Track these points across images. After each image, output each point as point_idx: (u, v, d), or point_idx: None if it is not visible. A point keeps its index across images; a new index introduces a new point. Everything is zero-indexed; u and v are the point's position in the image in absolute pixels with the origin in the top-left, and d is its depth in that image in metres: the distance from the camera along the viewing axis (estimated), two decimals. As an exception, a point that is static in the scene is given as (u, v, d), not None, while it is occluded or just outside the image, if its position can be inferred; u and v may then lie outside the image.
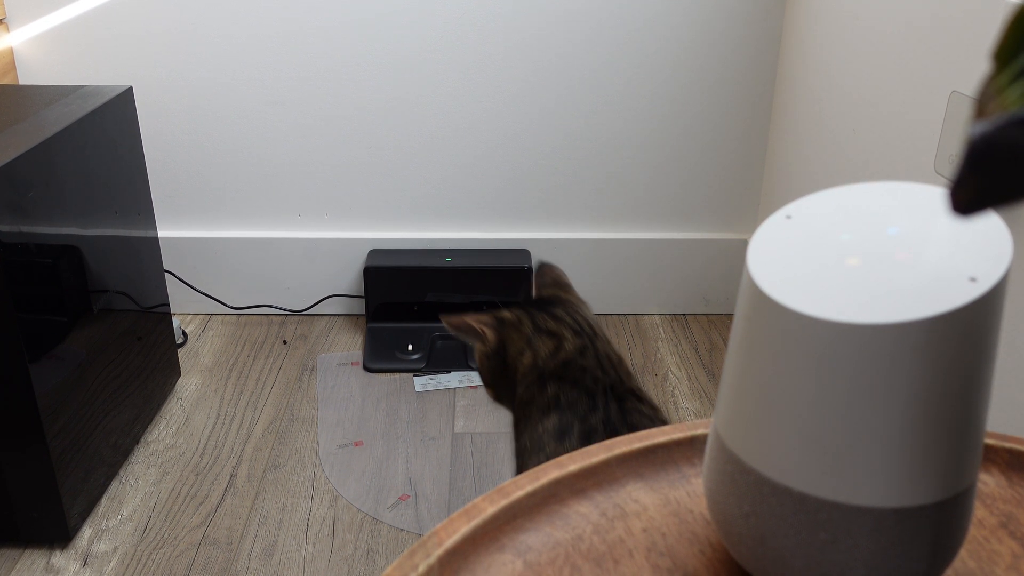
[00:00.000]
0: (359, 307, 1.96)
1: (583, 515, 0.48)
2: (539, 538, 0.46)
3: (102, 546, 1.30)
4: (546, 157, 1.86)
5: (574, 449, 0.93)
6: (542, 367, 1.09)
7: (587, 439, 1.01)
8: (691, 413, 1.62)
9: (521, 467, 1.09)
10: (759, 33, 1.78)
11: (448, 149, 1.85)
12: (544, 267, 1.26)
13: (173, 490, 1.42)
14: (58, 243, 1.25)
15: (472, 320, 1.13)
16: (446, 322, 1.16)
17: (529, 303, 1.17)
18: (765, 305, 0.37)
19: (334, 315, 1.96)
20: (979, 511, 0.48)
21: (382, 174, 1.87)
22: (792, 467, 0.38)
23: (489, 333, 1.15)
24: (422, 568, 0.43)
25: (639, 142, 1.86)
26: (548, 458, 1.00)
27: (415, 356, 1.79)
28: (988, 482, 0.50)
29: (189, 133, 1.83)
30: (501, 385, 1.17)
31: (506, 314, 1.14)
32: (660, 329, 1.92)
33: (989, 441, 0.52)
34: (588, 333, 1.12)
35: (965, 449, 0.37)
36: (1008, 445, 0.52)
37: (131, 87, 1.47)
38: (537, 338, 1.11)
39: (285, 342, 1.85)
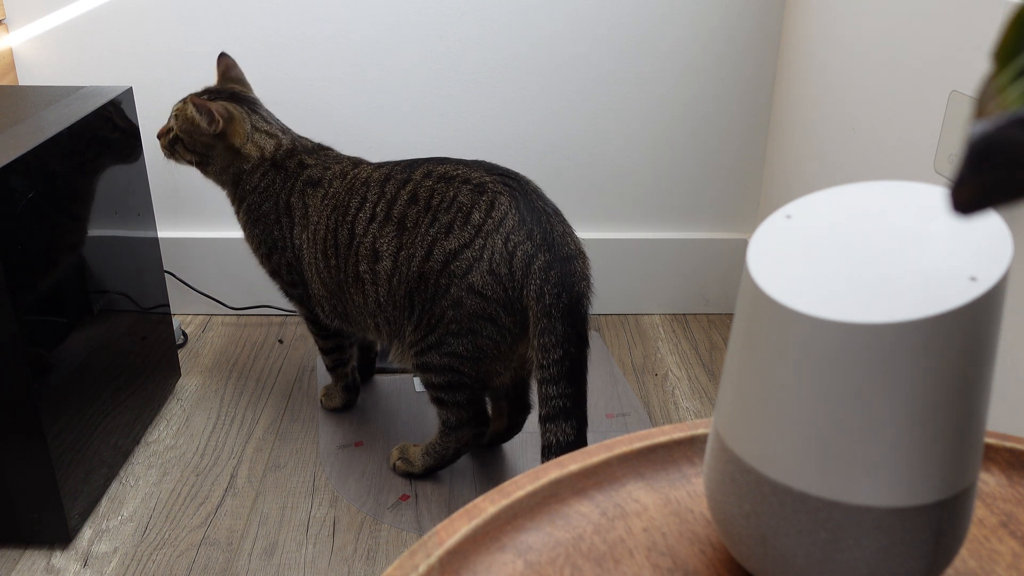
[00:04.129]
0: (359, 307, 1.95)
1: (584, 515, 0.48)
2: (540, 538, 0.46)
3: (102, 547, 1.30)
4: (545, 157, 1.86)
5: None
6: (271, 158, 1.45)
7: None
8: (691, 413, 1.62)
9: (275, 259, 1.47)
10: (759, 33, 1.78)
11: (448, 150, 1.85)
12: (222, 56, 1.54)
13: (173, 491, 1.42)
14: (58, 243, 1.25)
15: (212, 106, 1.42)
16: (194, 101, 1.44)
17: (236, 99, 1.48)
18: (765, 305, 0.37)
19: (334, 315, 1.96)
20: (979, 510, 0.48)
21: (382, 174, 1.87)
22: (792, 467, 0.38)
23: (221, 123, 1.45)
24: (423, 568, 0.43)
25: (639, 142, 1.86)
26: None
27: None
28: (988, 481, 0.50)
29: (189, 133, 1.83)
30: (209, 160, 1.48)
31: (233, 110, 1.45)
32: (660, 329, 1.92)
33: (989, 441, 0.52)
34: (288, 131, 1.50)
35: (965, 448, 0.37)
36: (1008, 445, 0.52)
37: (131, 87, 1.47)
38: (258, 136, 1.46)
39: (280, 341, 1.85)
